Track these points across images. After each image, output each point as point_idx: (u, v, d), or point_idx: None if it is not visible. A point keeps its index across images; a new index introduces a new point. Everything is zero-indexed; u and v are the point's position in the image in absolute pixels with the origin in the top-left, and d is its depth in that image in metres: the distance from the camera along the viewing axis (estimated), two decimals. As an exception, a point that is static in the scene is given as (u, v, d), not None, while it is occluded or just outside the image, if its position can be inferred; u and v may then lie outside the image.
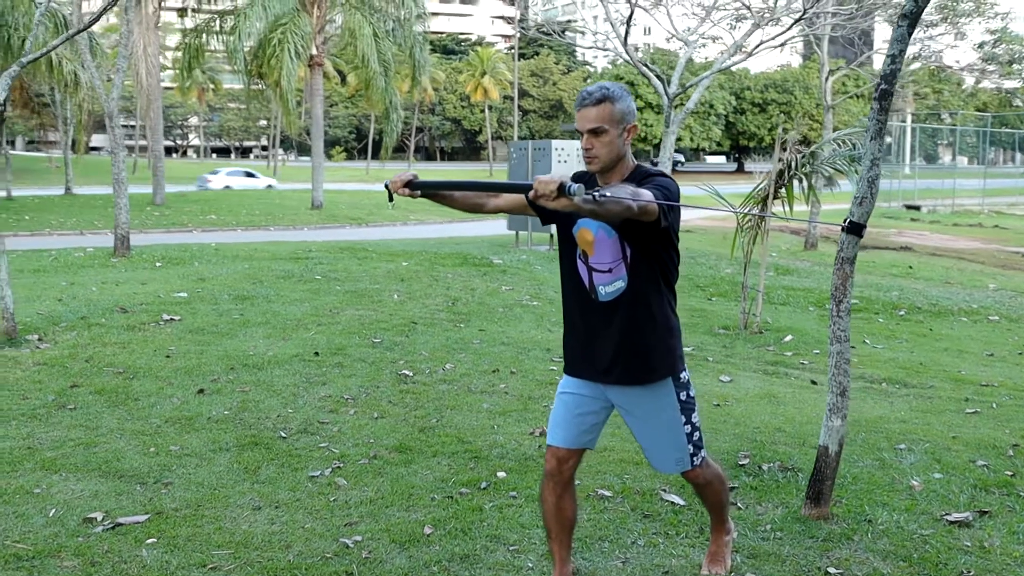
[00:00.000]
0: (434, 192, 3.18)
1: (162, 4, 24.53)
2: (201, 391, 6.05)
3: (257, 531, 3.85)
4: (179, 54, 23.48)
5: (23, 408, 5.62)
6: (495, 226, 19.35)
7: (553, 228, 2.97)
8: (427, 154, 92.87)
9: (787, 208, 8.54)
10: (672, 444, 3.17)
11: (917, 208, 32.70)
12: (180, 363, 6.78)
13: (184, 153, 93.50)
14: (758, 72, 65.53)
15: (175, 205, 26.62)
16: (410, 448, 4.97)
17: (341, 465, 4.68)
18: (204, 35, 23.78)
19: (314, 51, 25.14)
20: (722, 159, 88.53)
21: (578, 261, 3.10)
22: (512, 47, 71.71)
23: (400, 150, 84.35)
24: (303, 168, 59.30)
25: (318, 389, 6.18)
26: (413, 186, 3.00)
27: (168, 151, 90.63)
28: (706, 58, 50.19)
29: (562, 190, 2.47)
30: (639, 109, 56.81)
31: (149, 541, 3.73)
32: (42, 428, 5.25)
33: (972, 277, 15.20)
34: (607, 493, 4.32)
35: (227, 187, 37.12)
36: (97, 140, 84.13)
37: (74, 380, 6.26)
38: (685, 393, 3.14)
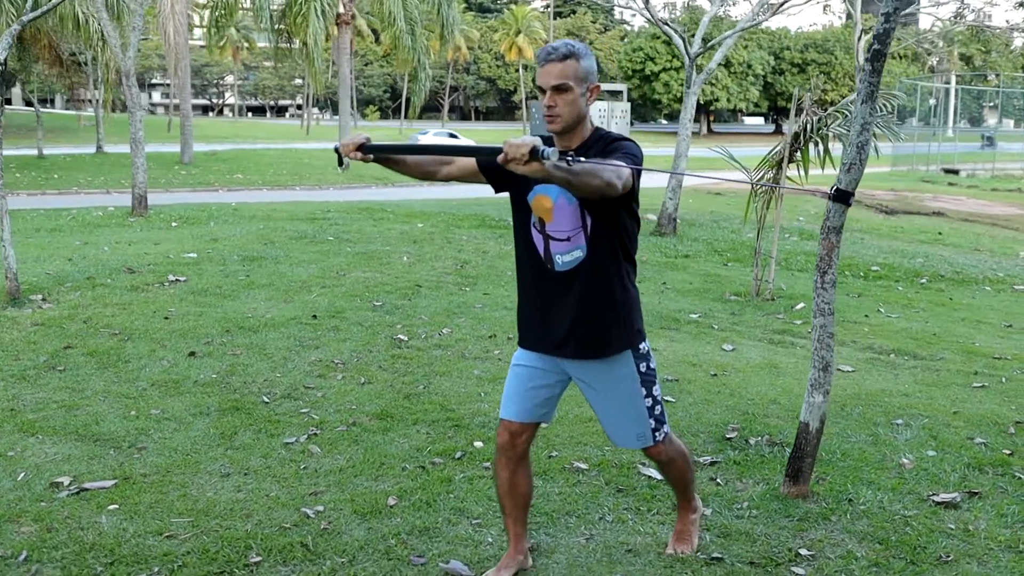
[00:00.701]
0: (387, 156, 3.05)
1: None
2: (192, 354, 6.01)
3: (221, 499, 3.80)
4: (212, 12, 23.36)
5: (13, 369, 5.62)
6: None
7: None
8: (462, 113, 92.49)
9: (802, 173, 8.30)
10: (632, 418, 3.05)
11: (955, 172, 31.98)
12: (177, 325, 6.75)
13: (220, 111, 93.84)
14: (798, 31, 64.25)
15: (203, 164, 26.69)
16: (391, 415, 4.90)
17: (318, 432, 4.62)
18: (232, -7, 23.65)
19: (341, 9, 24.94)
20: (760, 120, 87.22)
21: (532, 229, 2.97)
22: (548, 5, 70.82)
23: (434, 109, 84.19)
24: (336, 127, 59.18)
25: (310, 353, 6.12)
26: (366, 149, 2.84)
27: (204, 110, 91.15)
28: (733, 16, 49.21)
29: (535, 154, 2.34)
30: (673, 69, 55.98)
31: (111, 507, 3.69)
32: (28, 390, 5.24)
33: (1003, 244, 14.81)
34: (583, 466, 4.22)
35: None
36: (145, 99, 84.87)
37: (69, 341, 6.25)
38: (645, 365, 3.02)
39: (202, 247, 10.30)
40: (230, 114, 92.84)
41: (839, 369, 6.06)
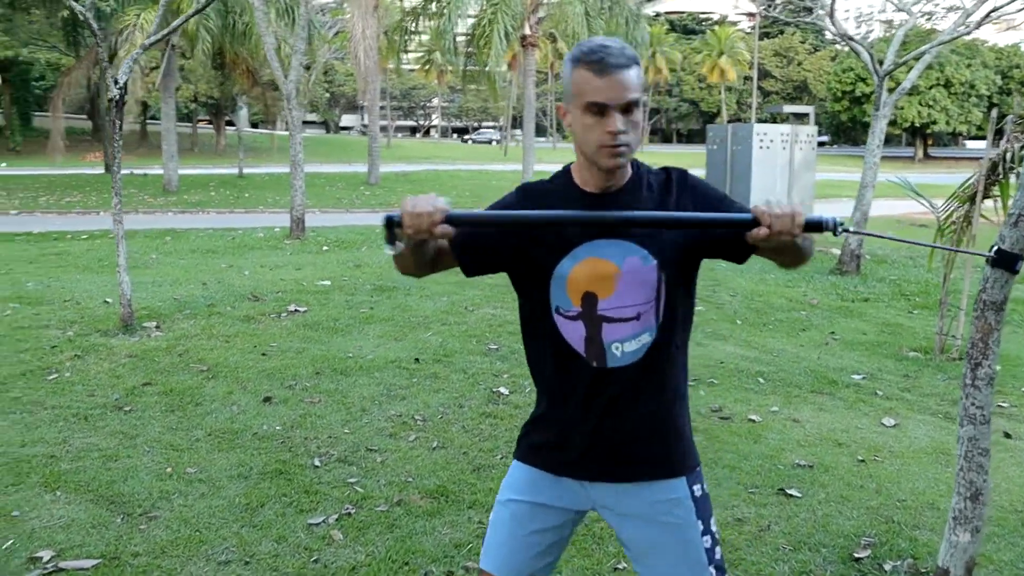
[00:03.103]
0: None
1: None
2: (267, 399, 5.52)
3: (200, 598, 3.18)
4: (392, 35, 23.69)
5: (80, 407, 5.30)
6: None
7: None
8: (663, 136, 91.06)
9: (999, 207, 6.93)
10: (685, 565, 2.12)
11: None
12: (270, 363, 6.31)
13: (427, 133, 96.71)
14: (1032, 48, 58.94)
15: (390, 185, 27.05)
16: (447, 494, 4.16)
17: (353, 511, 3.95)
18: (419, 17, 23.83)
19: (527, 31, 24.60)
20: (983, 144, 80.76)
21: (555, 316, 2.06)
22: (754, 26, 68.48)
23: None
24: (537, 148, 59.36)
25: (393, 405, 5.48)
26: (451, 222, 1.90)
27: (412, 131, 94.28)
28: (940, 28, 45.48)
29: (819, 226, 1.79)
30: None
31: (75, 598, 3.15)
32: (81, 433, 4.88)
33: None
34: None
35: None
36: (347, 120, 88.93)
37: (152, 377, 5.92)
38: (700, 487, 2.11)
39: (340, 274, 9.98)
40: (436, 135, 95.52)
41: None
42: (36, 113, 48.07)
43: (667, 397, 2.09)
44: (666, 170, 2.09)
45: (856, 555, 3.65)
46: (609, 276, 2.01)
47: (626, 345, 2.03)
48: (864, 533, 3.86)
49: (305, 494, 4.13)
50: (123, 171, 30.30)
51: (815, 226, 1.78)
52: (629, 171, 2.06)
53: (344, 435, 4.94)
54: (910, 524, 3.98)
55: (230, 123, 51.58)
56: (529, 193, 2.16)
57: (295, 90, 12.81)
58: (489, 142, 75.10)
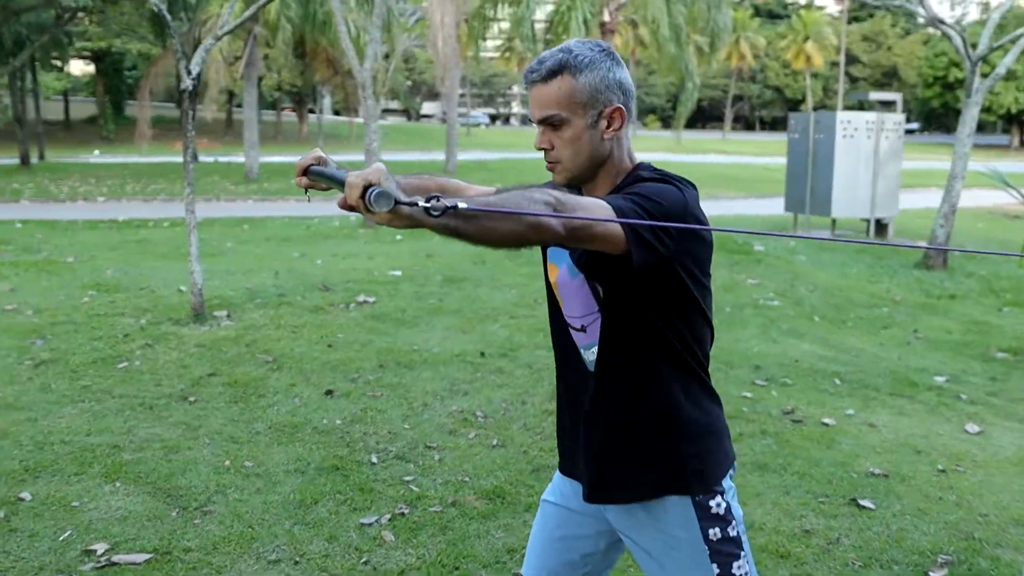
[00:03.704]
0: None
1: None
2: (329, 392, 5.49)
3: (247, 598, 3.15)
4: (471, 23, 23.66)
5: (147, 396, 5.36)
6: (774, 204, 17.59)
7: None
8: (747, 123, 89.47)
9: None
10: None
11: None
12: (335, 355, 6.30)
13: (507, 120, 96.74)
14: None
15: (467, 173, 27.05)
16: (504, 495, 4.07)
17: (406, 511, 3.88)
18: (497, 4, 23.78)
19: (606, 17, 24.34)
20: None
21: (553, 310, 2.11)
22: (842, 10, 66.62)
23: (718, 119, 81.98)
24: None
25: (455, 400, 5.41)
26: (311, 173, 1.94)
27: (492, 119, 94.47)
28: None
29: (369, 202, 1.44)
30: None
31: (124, 594, 3.15)
32: (146, 423, 4.92)
33: None
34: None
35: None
36: (428, 108, 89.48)
37: (217, 368, 5.95)
38: (718, 531, 1.96)
39: (411, 264, 9.96)
40: (516, 123, 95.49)
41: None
42: (128, 102, 49.49)
43: (641, 415, 1.95)
44: (645, 176, 1.89)
45: (932, 574, 3.44)
46: (556, 283, 2.02)
47: (587, 354, 1.99)
48: (941, 550, 3.65)
49: (360, 492, 4.08)
50: (207, 159, 31.02)
51: (381, 201, 1.42)
52: (620, 178, 1.93)
53: (404, 431, 4.89)
54: (992, 542, 3.74)
55: (313, 111, 52.38)
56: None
57: (370, 78, 12.83)
58: (477, 125, 74.04)
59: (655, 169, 1.91)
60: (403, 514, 3.86)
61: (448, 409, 5.25)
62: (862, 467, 4.52)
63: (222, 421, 4.98)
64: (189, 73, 7.14)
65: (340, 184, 1.72)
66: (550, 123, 1.86)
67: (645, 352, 1.90)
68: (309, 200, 2.19)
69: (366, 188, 1.43)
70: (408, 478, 4.25)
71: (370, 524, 3.76)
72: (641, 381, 1.92)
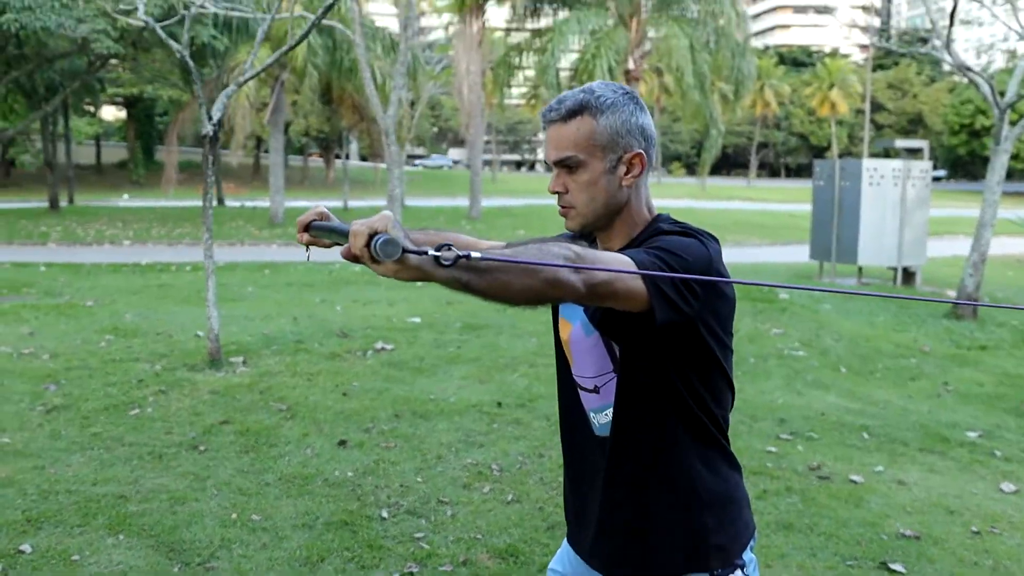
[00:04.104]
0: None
1: (485, 25, 25.14)
2: (343, 443, 5.38)
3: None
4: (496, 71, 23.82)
5: (156, 445, 5.26)
6: (799, 252, 17.42)
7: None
8: (771, 170, 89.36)
9: None
10: None
11: None
12: (350, 404, 6.19)
13: (532, 167, 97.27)
14: None
15: (490, 220, 27.08)
16: (518, 554, 3.92)
17: (415, 571, 3.74)
18: (522, 52, 23.94)
19: (631, 65, 24.43)
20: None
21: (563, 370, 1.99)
22: (867, 57, 66.72)
23: (742, 165, 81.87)
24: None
25: (470, 453, 5.27)
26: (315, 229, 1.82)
27: (517, 165, 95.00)
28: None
29: (375, 252, 1.34)
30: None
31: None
32: (153, 473, 4.82)
33: None
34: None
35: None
36: (454, 153, 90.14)
37: (230, 415, 5.86)
38: None
39: (431, 311, 9.87)
40: (541, 169, 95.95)
41: None
42: (159, 147, 50.19)
43: (658, 485, 1.82)
44: (665, 228, 1.78)
45: (967, 647, 3.26)
46: (567, 341, 1.90)
47: (599, 417, 1.87)
48: (977, 620, 3.46)
49: (369, 549, 3.94)
50: (234, 204, 31.25)
51: (388, 249, 1.32)
52: (638, 229, 1.82)
53: (416, 484, 4.76)
54: (1031, 611, 3.55)
55: (339, 156, 52.88)
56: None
57: (394, 125, 12.88)
58: (440, 167, 73.96)
59: (675, 221, 1.80)
60: (412, 573, 3.72)
61: (463, 462, 5.12)
62: (892, 528, 4.33)
63: (231, 472, 4.87)
64: (211, 119, 7.15)
65: (343, 235, 1.61)
66: (566, 165, 1.77)
67: (663, 416, 1.79)
68: (308, 259, 2.09)
69: (371, 236, 1.34)
70: (419, 535, 4.11)
71: (377, 584, 3.62)
72: (658, 447, 1.81)
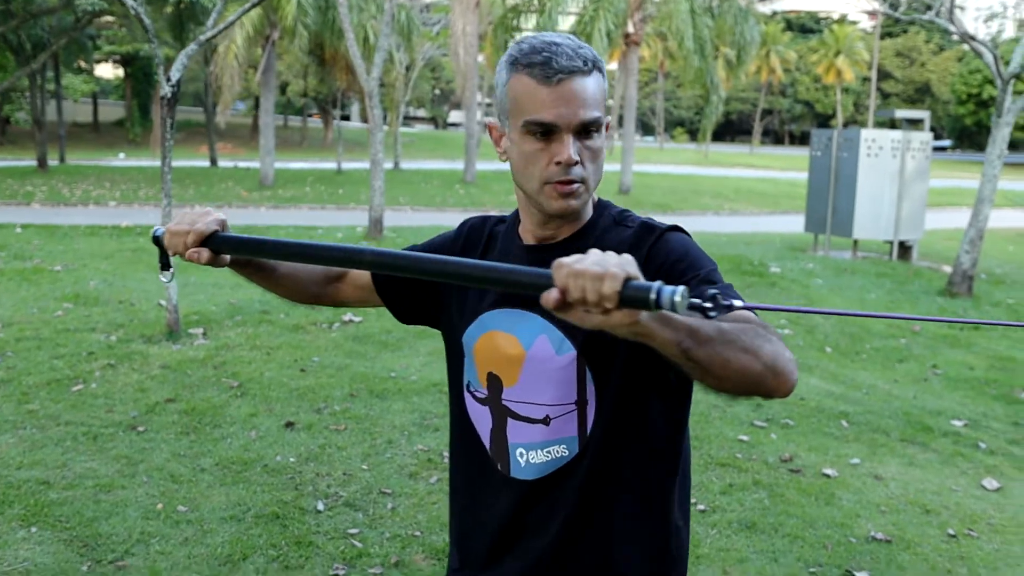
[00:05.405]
0: (251, 259, 1.67)
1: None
2: (290, 424, 5.10)
3: None
4: (499, 34, 23.26)
5: (95, 424, 4.99)
6: (797, 222, 17.07)
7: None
8: (776, 137, 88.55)
9: None
10: None
11: None
12: (306, 381, 5.91)
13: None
14: None
15: (484, 183, 26.69)
16: (455, 554, 3.65)
17: (342, 573, 3.47)
18: (520, 14, 23.39)
19: (630, 29, 23.92)
20: None
21: (466, 393, 1.60)
22: (875, 24, 65.73)
23: (746, 132, 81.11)
24: (643, 148, 58.29)
25: (423, 437, 5.00)
26: (217, 245, 1.49)
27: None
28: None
29: (639, 300, 1.01)
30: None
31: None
32: (85, 455, 4.55)
33: None
34: None
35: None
36: (455, 116, 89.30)
37: (177, 392, 5.58)
38: None
39: (408, 280, 9.57)
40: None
41: None
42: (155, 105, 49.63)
43: (625, 541, 1.50)
44: (647, 227, 1.48)
45: (931, 670, 2.99)
46: (514, 358, 1.49)
47: (532, 454, 1.50)
48: (945, 637, 3.19)
49: (296, 546, 3.67)
50: (226, 164, 30.83)
51: (639, 299, 1.01)
52: (586, 216, 1.51)
53: (360, 472, 4.48)
54: (1004, 628, 3.28)
55: (345, 117, 52.32)
56: (469, 235, 1.69)
57: (377, 87, 12.50)
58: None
59: (627, 211, 1.53)
60: (338, 575, 3.45)
61: (413, 448, 4.84)
62: (863, 530, 4.06)
63: (167, 456, 4.60)
64: (168, 80, 6.81)
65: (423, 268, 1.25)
66: (587, 129, 1.41)
67: (643, 450, 1.50)
68: (169, 281, 1.64)
69: (628, 281, 1.02)
70: (353, 530, 3.84)
71: (298, 588, 3.36)
72: (632, 489, 1.50)
